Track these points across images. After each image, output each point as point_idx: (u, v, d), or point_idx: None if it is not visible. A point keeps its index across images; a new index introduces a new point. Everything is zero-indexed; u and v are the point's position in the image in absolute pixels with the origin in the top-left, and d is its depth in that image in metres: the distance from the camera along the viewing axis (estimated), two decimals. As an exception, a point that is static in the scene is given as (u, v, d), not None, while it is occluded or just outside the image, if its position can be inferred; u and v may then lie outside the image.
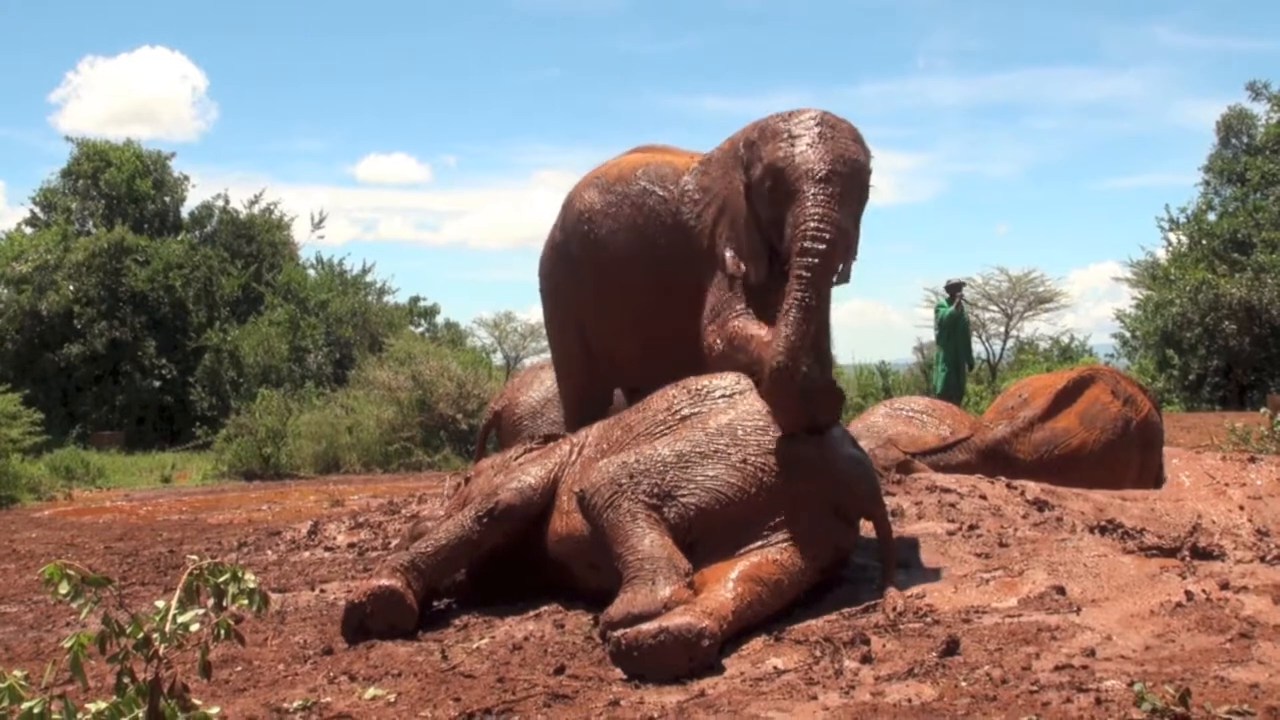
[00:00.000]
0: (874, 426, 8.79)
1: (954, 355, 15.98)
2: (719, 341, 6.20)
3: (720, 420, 5.50)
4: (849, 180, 5.94)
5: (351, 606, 5.43)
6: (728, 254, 6.23)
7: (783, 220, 5.96)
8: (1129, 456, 8.31)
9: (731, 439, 5.37)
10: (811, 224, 5.74)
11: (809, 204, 5.80)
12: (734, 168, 6.35)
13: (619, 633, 4.49)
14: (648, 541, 5.00)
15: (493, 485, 6.01)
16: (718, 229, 6.38)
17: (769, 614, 4.94)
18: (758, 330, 6.00)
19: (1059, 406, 8.40)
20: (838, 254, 5.79)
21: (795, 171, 5.92)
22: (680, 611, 4.56)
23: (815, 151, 5.94)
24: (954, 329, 15.90)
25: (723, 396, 5.71)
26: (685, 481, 5.21)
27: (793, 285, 5.67)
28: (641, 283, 6.79)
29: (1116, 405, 8.44)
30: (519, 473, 6.00)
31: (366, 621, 5.39)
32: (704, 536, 5.13)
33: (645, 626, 4.46)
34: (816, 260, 5.67)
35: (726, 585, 4.85)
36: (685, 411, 5.72)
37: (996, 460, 8.15)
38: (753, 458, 5.28)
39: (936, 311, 16.33)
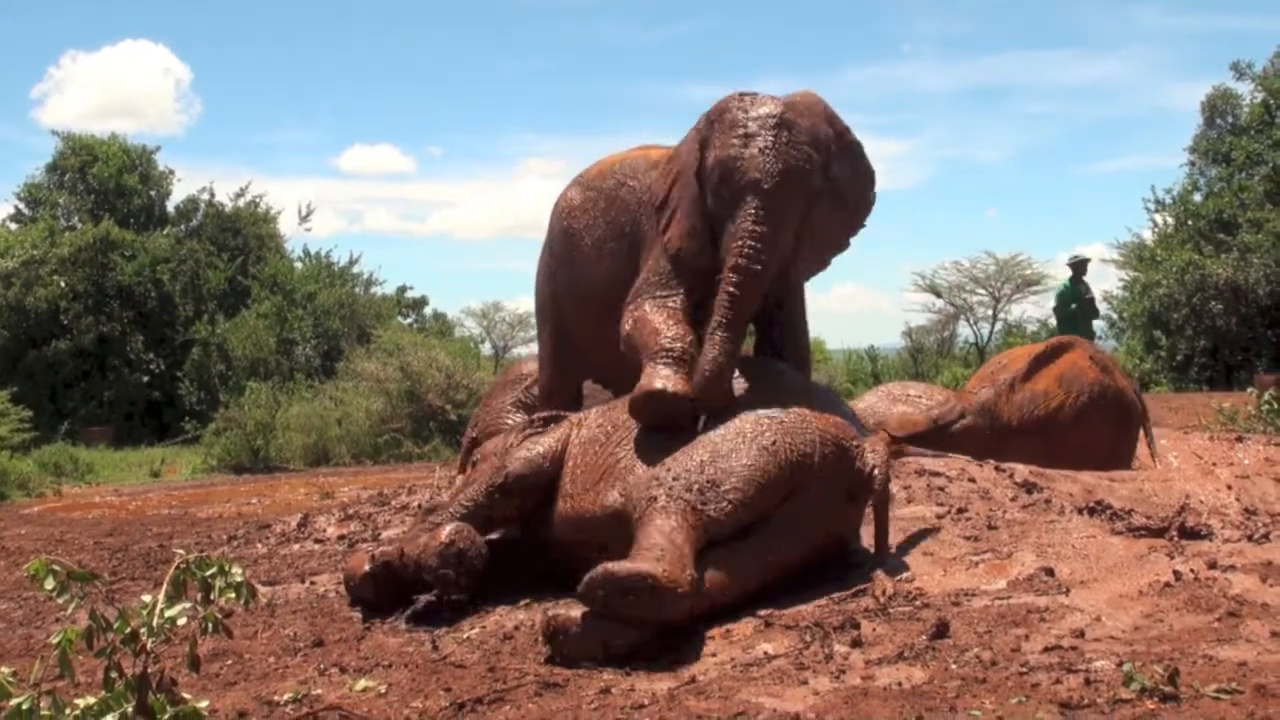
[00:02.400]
0: (871, 409, 8.79)
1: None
2: (628, 323, 6.27)
3: (744, 420, 5.45)
4: (797, 190, 6.03)
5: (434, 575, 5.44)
6: (672, 229, 6.31)
7: (724, 217, 6.05)
8: (1104, 421, 8.36)
9: (755, 422, 5.36)
10: (748, 244, 5.85)
11: (749, 220, 5.90)
12: (694, 142, 6.41)
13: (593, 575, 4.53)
14: (669, 530, 4.90)
15: (500, 460, 6.00)
16: (669, 199, 6.46)
17: (756, 588, 5.01)
18: (659, 320, 6.07)
19: (1038, 368, 8.52)
20: (768, 276, 5.95)
21: (743, 177, 5.97)
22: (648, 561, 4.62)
23: (765, 160, 5.96)
24: (1071, 308, 14.82)
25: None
26: (725, 474, 5.12)
27: (721, 301, 5.82)
28: (613, 273, 6.83)
29: (1094, 371, 8.53)
30: (526, 445, 6.00)
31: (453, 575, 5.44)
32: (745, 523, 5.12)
33: (612, 566, 4.54)
34: (746, 280, 5.82)
35: (720, 558, 4.92)
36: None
37: (987, 423, 8.21)
38: (781, 440, 5.26)
39: (1060, 293, 15.27)
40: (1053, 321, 33.06)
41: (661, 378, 5.66)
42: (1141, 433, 8.66)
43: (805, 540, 5.24)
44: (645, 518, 4.97)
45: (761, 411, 5.44)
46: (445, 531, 5.50)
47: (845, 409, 6.14)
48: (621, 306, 6.55)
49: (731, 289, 5.80)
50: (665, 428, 5.58)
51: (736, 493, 5.04)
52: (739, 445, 5.23)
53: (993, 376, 8.63)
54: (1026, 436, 8.18)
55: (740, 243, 5.85)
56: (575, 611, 4.55)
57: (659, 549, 4.70)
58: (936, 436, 8.06)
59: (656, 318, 6.08)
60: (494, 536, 5.86)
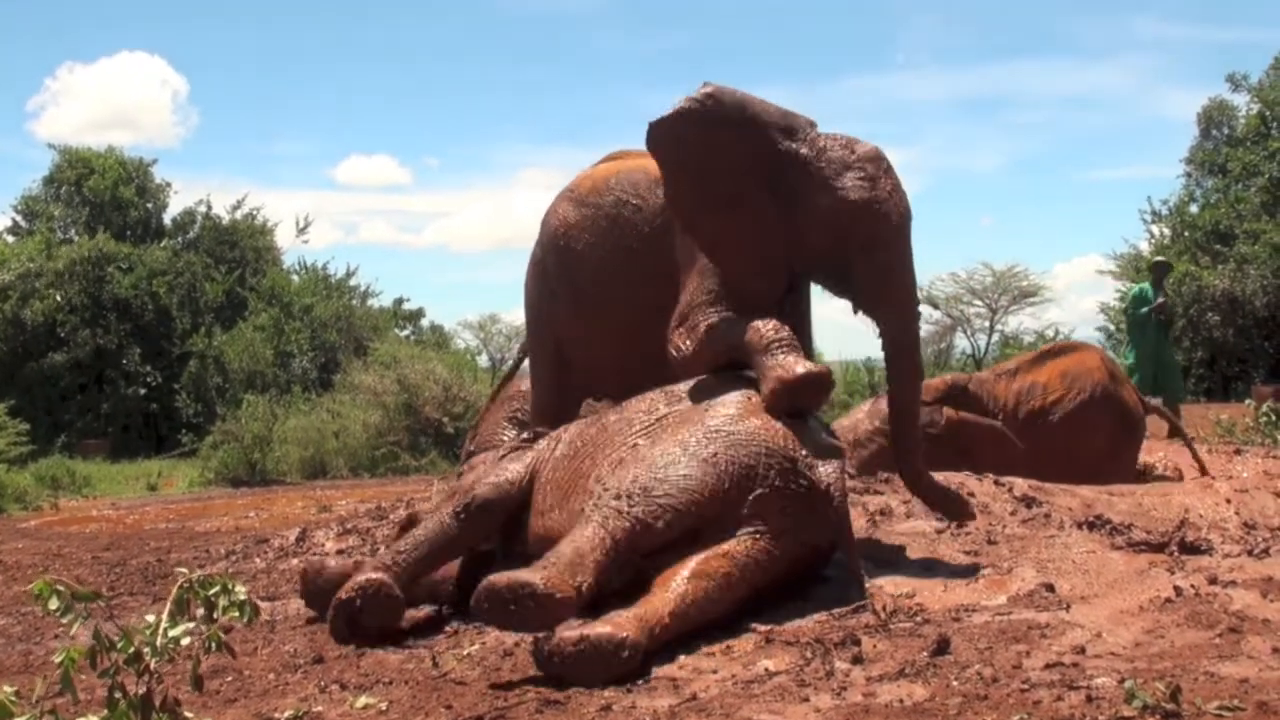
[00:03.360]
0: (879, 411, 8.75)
1: (1152, 346, 13.94)
2: (687, 343, 6.14)
3: (693, 417, 5.50)
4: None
5: (340, 604, 5.41)
6: (738, 262, 6.11)
7: (838, 254, 6.03)
8: (1100, 426, 8.37)
9: (704, 434, 5.33)
10: (910, 304, 6.11)
11: (899, 268, 6.08)
12: (748, 172, 6.06)
13: (543, 640, 4.48)
14: (580, 540, 4.88)
15: (471, 482, 6.04)
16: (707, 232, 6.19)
17: (722, 610, 4.92)
18: (743, 322, 5.94)
19: (1044, 359, 8.60)
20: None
21: (883, 222, 5.99)
22: (604, 620, 4.52)
23: (895, 204, 6.02)
24: (1142, 312, 13.88)
25: (698, 396, 5.72)
26: (658, 482, 5.11)
27: (898, 356, 6.08)
28: (622, 298, 6.69)
29: (1101, 373, 8.53)
30: (496, 468, 6.03)
31: (356, 617, 5.37)
32: (679, 535, 5.06)
33: (566, 634, 4.44)
34: (916, 328, 6.17)
35: (670, 587, 4.80)
36: (661, 411, 5.72)
37: (969, 402, 8.24)
38: (723, 452, 5.22)
39: (1132, 297, 14.42)
40: (1049, 332, 33.14)
41: (798, 363, 5.63)
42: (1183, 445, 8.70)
43: (771, 555, 5.12)
44: (572, 531, 5.01)
45: (709, 424, 5.41)
46: (358, 579, 5.48)
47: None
48: (632, 335, 6.51)
49: (902, 339, 6.09)
50: (803, 412, 5.58)
51: (668, 499, 5.02)
52: (679, 457, 5.22)
53: (998, 365, 8.77)
54: (1016, 424, 8.21)
55: (899, 296, 6.07)
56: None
57: (554, 556, 4.73)
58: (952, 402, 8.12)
59: (737, 323, 5.98)
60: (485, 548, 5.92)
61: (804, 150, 6.04)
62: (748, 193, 6.04)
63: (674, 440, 5.36)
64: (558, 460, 5.87)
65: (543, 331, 7.52)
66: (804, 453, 5.33)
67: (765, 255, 6.08)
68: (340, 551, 8.38)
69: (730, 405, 5.54)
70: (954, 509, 6.20)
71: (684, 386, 5.87)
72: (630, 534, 4.93)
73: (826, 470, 5.33)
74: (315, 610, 5.90)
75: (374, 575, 5.45)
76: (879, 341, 6.15)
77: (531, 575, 4.54)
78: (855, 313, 6.23)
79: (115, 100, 59.27)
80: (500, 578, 4.54)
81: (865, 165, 5.99)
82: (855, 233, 5.94)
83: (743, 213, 6.04)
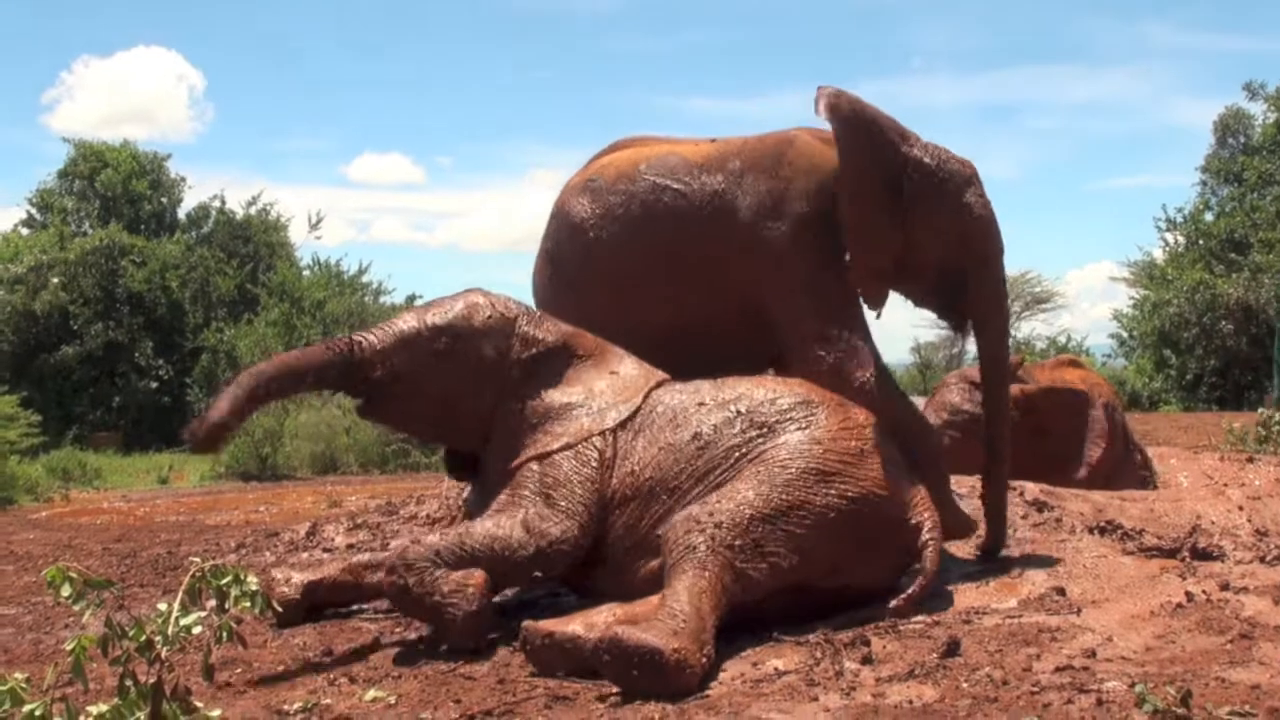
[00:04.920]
0: (946, 403, 8.76)
1: None
2: (863, 373, 5.85)
3: (793, 461, 5.06)
4: None
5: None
6: (862, 269, 5.92)
7: (951, 267, 6.04)
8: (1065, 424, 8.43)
9: (815, 482, 5.00)
10: (1008, 322, 6.44)
11: (1003, 289, 6.28)
12: (868, 170, 5.85)
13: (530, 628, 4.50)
14: (701, 595, 4.55)
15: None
16: (823, 239, 5.94)
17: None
18: (904, 412, 6.02)
19: (1041, 371, 8.79)
20: None
21: (992, 246, 6.10)
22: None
23: (998, 230, 6.15)
24: None
25: (782, 422, 5.26)
26: (770, 535, 4.83)
27: (998, 370, 6.23)
28: (659, 286, 6.16)
29: (1076, 379, 8.72)
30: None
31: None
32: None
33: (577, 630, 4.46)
34: (1007, 350, 6.33)
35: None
36: (740, 434, 5.25)
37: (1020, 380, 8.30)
38: (840, 506, 4.98)
39: None
40: (1062, 340, 33.02)
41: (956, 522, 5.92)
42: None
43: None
44: (683, 574, 4.65)
45: (818, 467, 5.05)
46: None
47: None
48: (667, 334, 6.09)
49: (1004, 354, 6.27)
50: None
51: (779, 559, 4.81)
52: (791, 509, 4.92)
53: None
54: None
55: (1005, 310, 6.29)
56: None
57: (675, 614, 4.42)
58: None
59: (903, 408, 6.07)
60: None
61: (926, 159, 5.98)
62: (884, 191, 5.90)
63: (783, 487, 4.96)
64: (633, 462, 5.41)
65: None
66: (912, 505, 5.20)
67: (893, 256, 5.95)
68: (350, 546, 8.40)
69: (841, 442, 5.17)
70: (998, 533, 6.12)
71: (757, 404, 5.36)
72: (741, 591, 4.71)
73: (923, 519, 5.20)
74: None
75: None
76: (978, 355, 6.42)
77: (661, 641, 4.21)
78: (956, 330, 6.40)
79: (131, 95, 59.54)
80: (629, 635, 4.24)
81: (978, 183, 6.03)
82: (974, 249, 5.98)
83: (881, 209, 5.88)
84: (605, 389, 5.68)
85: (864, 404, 5.56)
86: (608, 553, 5.30)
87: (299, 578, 5.88)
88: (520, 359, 5.76)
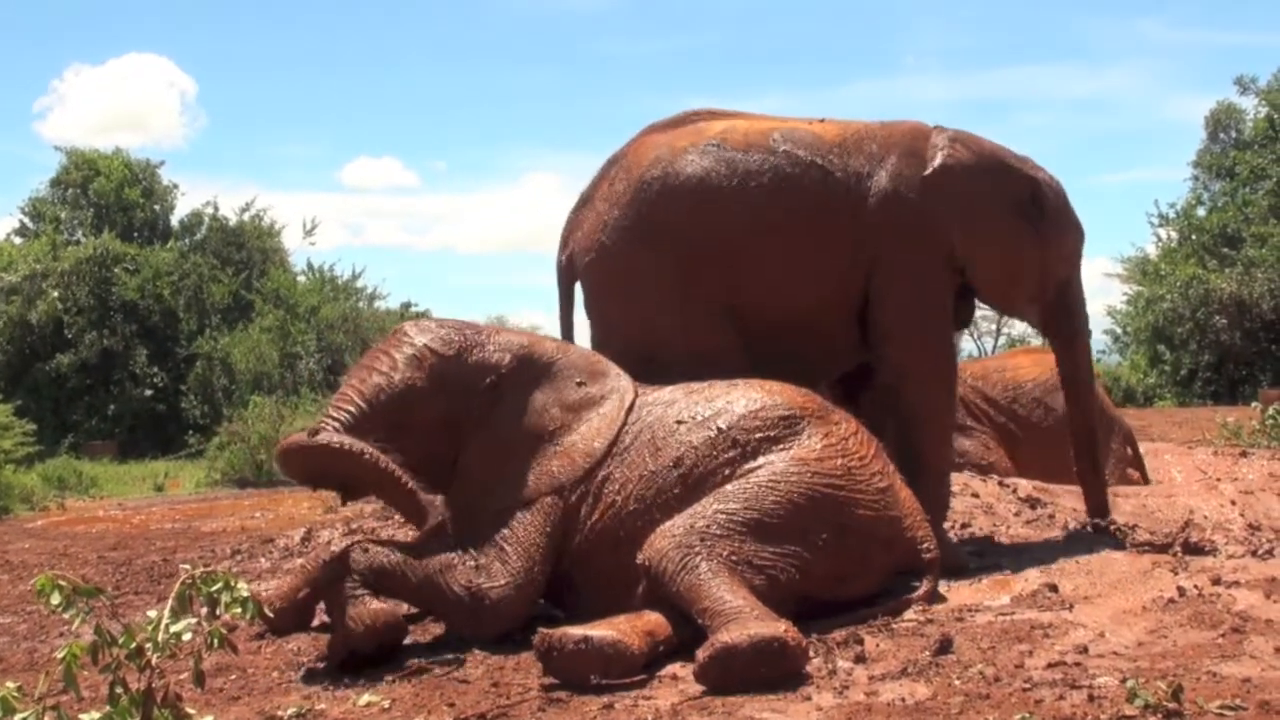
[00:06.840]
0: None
1: None
2: (923, 354, 5.96)
3: (786, 485, 4.90)
4: None
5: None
6: (1020, 292, 6.27)
7: (1058, 286, 6.30)
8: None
9: (804, 514, 4.85)
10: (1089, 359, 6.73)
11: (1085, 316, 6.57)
12: (1005, 184, 6.10)
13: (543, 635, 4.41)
14: (739, 596, 4.50)
15: None
16: (987, 245, 6.02)
17: None
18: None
19: (1024, 353, 9.06)
20: None
21: (1077, 260, 6.50)
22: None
23: None
24: None
25: (765, 442, 5.06)
26: (764, 552, 4.72)
27: (1086, 382, 6.54)
28: (820, 272, 5.88)
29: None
30: None
31: None
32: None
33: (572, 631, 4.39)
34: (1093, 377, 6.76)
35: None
36: (720, 463, 5.03)
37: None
38: (853, 526, 4.92)
39: None
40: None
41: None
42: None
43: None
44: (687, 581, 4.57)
45: (825, 489, 4.93)
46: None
47: None
48: (774, 310, 5.85)
49: (1090, 364, 6.66)
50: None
51: (791, 583, 4.76)
52: (798, 536, 4.82)
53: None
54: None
55: (1083, 349, 6.59)
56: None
57: (747, 605, 4.40)
58: None
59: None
60: None
61: (1041, 175, 6.20)
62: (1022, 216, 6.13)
63: (770, 507, 4.82)
64: (612, 492, 5.20)
65: (635, 310, 6.06)
66: (905, 519, 5.17)
67: (1036, 279, 6.29)
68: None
69: (828, 461, 5.02)
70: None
71: (728, 411, 5.14)
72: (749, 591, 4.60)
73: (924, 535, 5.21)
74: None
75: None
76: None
77: (769, 629, 4.21)
78: (1046, 337, 6.79)
79: (123, 102, 59.29)
80: (738, 639, 4.16)
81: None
82: (1076, 263, 6.33)
83: (1024, 233, 6.14)
84: (573, 419, 5.38)
85: (938, 398, 5.98)
86: (585, 586, 5.18)
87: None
88: (479, 390, 5.43)
